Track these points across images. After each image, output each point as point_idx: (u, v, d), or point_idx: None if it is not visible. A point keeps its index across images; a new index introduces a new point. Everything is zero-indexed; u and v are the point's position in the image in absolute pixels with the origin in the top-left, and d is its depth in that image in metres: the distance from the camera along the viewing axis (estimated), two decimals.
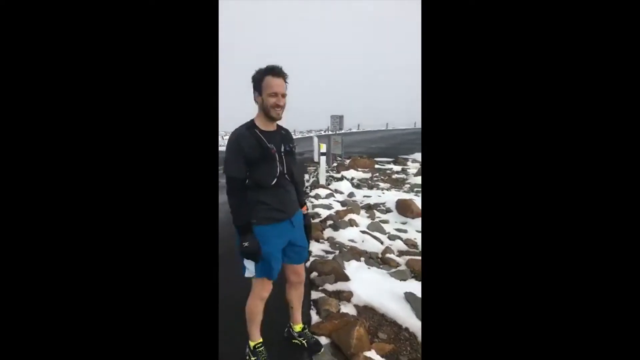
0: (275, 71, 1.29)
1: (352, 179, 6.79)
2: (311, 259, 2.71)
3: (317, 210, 4.17)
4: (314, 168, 6.93)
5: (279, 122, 1.43)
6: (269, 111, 1.31)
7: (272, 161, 1.34)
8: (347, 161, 8.72)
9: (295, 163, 1.50)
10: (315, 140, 6.47)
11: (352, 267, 2.60)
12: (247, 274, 1.39)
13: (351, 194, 5.45)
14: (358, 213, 4.17)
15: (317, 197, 4.87)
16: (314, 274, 2.42)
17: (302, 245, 1.52)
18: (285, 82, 1.32)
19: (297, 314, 1.66)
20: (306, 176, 7.08)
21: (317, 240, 3.22)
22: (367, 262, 2.76)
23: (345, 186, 5.85)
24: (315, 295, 2.19)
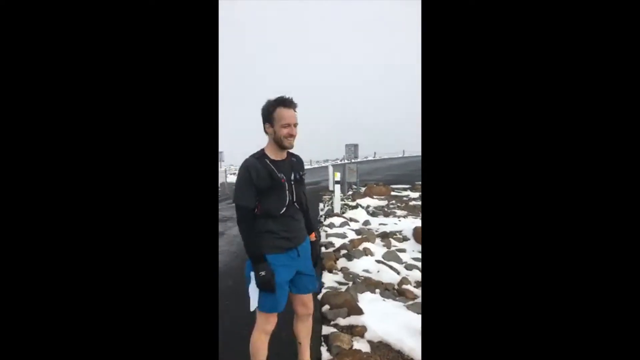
0: (286, 103, 1.33)
1: (368, 206, 6.68)
2: (323, 290, 2.62)
3: (330, 239, 4.09)
4: (329, 197, 6.91)
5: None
6: (282, 141, 1.35)
7: (282, 190, 1.36)
8: (363, 189, 8.65)
9: (305, 191, 1.50)
10: (330, 169, 6.49)
11: (366, 300, 2.49)
12: (252, 307, 1.35)
13: (366, 222, 5.34)
14: (373, 242, 4.06)
15: (331, 226, 4.80)
16: (326, 307, 2.32)
17: (309, 274, 1.48)
18: (295, 111, 1.37)
19: (306, 351, 1.57)
20: (321, 205, 7.04)
21: (330, 271, 3.12)
22: (382, 294, 2.63)
23: (360, 214, 5.75)
24: (326, 330, 2.08)
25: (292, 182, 1.40)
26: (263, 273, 1.29)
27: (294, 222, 1.40)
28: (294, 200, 1.40)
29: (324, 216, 5.63)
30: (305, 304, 1.51)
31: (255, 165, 1.33)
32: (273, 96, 1.36)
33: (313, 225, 1.58)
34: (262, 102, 1.39)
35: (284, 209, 1.36)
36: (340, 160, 10.61)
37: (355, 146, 9.02)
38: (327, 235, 4.29)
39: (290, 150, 1.46)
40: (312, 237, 1.57)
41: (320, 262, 1.59)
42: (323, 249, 3.82)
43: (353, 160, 9.07)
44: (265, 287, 1.30)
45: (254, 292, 1.34)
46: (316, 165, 21.41)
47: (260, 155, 1.38)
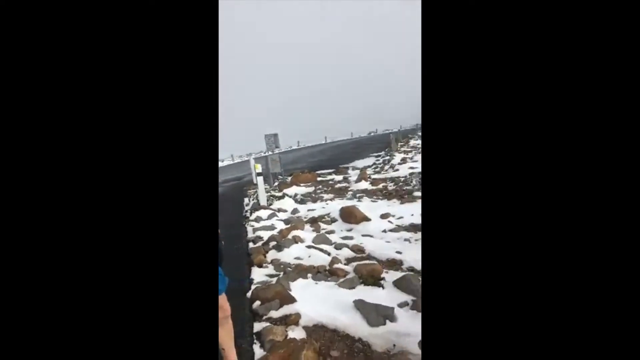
0: None
1: (295, 195, 6.66)
2: (252, 286, 2.48)
3: (258, 233, 3.93)
4: (254, 191, 6.68)
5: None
6: None
7: None
8: (289, 178, 8.59)
9: None
10: (252, 162, 6.24)
11: (299, 286, 2.43)
12: None
13: (295, 210, 5.31)
14: (303, 228, 4.03)
15: (258, 219, 4.62)
16: (257, 303, 2.19)
17: (219, 272, 1.33)
18: None
19: (232, 354, 1.43)
20: (246, 200, 6.77)
21: (260, 266, 2.99)
22: (314, 278, 2.61)
23: (287, 203, 5.69)
24: (258, 326, 1.96)
25: None
26: None
27: None
28: None
29: (249, 210, 5.40)
30: (221, 306, 1.36)
31: None
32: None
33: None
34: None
35: None
36: (264, 153, 10.34)
37: (275, 135, 8.85)
38: (255, 230, 4.12)
39: None
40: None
41: (222, 259, 1.43)
42: (251, 244, 3.65)
43: (275, 151, 8.89)
44: None
45: None
46: (238, 160, 20.54)
47: None
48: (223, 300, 1.37)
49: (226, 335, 1.41)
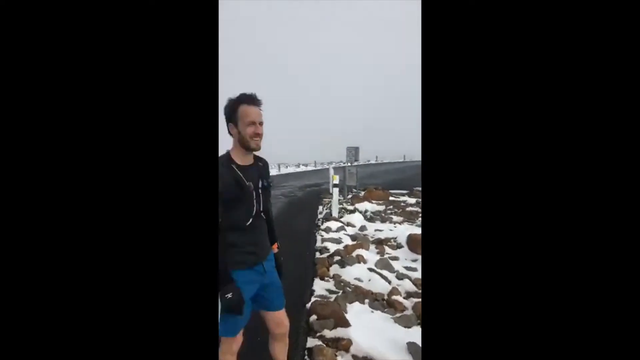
0: (250, 99, 1.20)
1: (366, 211, 6.63)
2: (312, 299, 2.57)
3: (326, 244, 4.05)
4: (329, 200, 6.87)
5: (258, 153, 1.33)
6: (247, 142, 1.20)
7: (250, 200, 1.22)
8: (362, 193, 8.59)
9: (270, 199, 1.38)
10: (331, 171, 6.46)
11: (354, 310, 2.44)
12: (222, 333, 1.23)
13: (363, 227, 5.29)
14: (367, 248, 4.00)
15: (327, 230, 4.75)
16: (313, 317, 2.27)
17: (276, 289, 1.36)
18: (261, 109, 1.23)
19: None
20: (320, 208, 6.99)
21: (322, 278, 3.08)
22: (371, 305, 2.58)
23: (357, 219, 5.70)
24: (311, 342, 2.03)
25: (260, 190, 1.26)
26: (230, 295, 1.12)
27: (260, 234, 1.28)
28: (261, 209, 1.27)
29: (322, 220, 5.58)
30: (280, 323, 1.39)
31: (220, 172, 1.18)
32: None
33: (275, 235, 1.46)
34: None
35: (251, 220, 1.22)
36: (344, 163, 10.55)
37: (356, 149, 8.95)
38: (323, 240, 4.25)
39: (258, 154, 1.32)
40: (275, 248, 1.45)
41: (282, 274, 1.48)
42: (317, 254, 3.77)
43: (354, 164, 8.99)
44: (233, 310, 1.14)
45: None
46: (319, 167, 21.35)
47: (226, 160, 1.22)
48: (283, 316, 1.40)
49: (281, 352, 1.45)
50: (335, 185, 5.70)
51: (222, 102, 1.23)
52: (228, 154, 1.26)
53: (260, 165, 1.32)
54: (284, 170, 20.06)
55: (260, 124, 1.22)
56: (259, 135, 1.21)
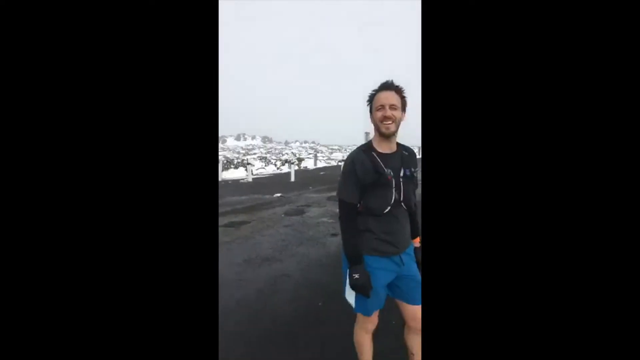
0: (384, 86, 1.21)
1: None
2: None
3: None
4: None
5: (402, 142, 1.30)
6: (379, 127, 1.21)
7: (387, 187, 1.22)
8: None
9: (415, 190, 1.31)
10: None
11: None
12: (353, 306, 1.32)
13: None
14: None
15: None
16: None
17: (415, 279, 1.31)
18: (401, 95, 1.21)
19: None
20: None
21: None
22: None
23: None
24: None
25: (401, 179, 1.23)
26: (357, 276, 1.19)
27: (398, 224, 1.25)
28: (401, 199, 1.24)
29: None
30: (414, 317, 1.33)
31: (360, 157, 1.22)
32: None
33: (419, 229, 1.37)
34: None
35: (389, 207, 1.22)
36: None
37: None
38: None
39: (403, 143, 1.30)
40: (417, 242, 1.38)
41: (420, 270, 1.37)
42: None
43: None
44: (359, 291, 1.21)
45: (349, 291, 1.27)
46: None
47: (367, 147, 1.26)
48: (418, 310, 1.34)
49: (415, 344, 1.40)
50: None
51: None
52: (370, 142, 1.28)
53: (405, 154, 1.29)
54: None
55: (392, 107, 1.19)
56: (387, 117, 1.19)
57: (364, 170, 1.21)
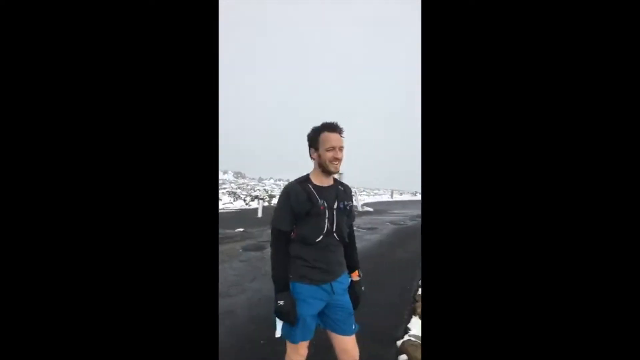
0: (331, 127, 1.32)
1: None
2: (406, 337, 2.34)
3: None
4: None
5: (340, 179, 1.42)
6: (327, 166, 1.32)
7: (320, 217, 1.30)
8: None
9: (350, 223, 1.40)
10: None
11: None
12: (277, 334, 1.30)
13: None
14: None
15: None
16: (403, 357, 2.06)
17: (345, 313, 1.33)
18: (342, 136, 1.33)
19: None
20: None
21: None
22: None
23: None
24: None
25: (334, 210, 1.32)
26: (281, 302, 1.24)
27: (329, 253, 1.31)
28: (334, 229, 1.32)
29: None
30: (346, 350, 1.33)
31: (295, 188, 1.32)
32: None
33: (357, 263, 1.44)
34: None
35: (321, 237, 1.29)
36: None
37: None
38: None
39: (340, 180, 1.40)
40: (355, 275, 1.43)
41: (358, 304, 1.41)
42: (420, 290, 3.45)
43: None
44: (283, 318, 1.25)
45: (278, 319, 1.30)
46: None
47: (304, 179, 1.36)
48: (351, 344, 1.35)
49: None
50: None
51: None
52: (307, 175, 1.39)
53: (340, 189, 1.39)
54: (397, 197, 19.63)
55: (340, 149, 1.32)
56: (337, 159, 1.31)
57: (298, 201, 1.30)
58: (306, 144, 1.38)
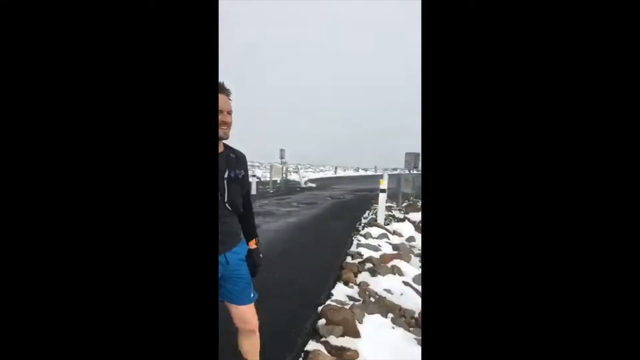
0: (220, 87, 1.22)
1: (419, 222, 6.22)
2: (327, 301, 2.45)
3: (360, 249, 3.87)
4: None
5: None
6: None
7: None
8: (420, 202, 8.10)
9: (242, 192, 1.36)
10: (385, 176, 6.21)
11: (373, 323, 2.25)
12: None
13: (411, 238, 4.96)
14: (408, 260, 3.71)
15: (367, 236, 4.55)
16: (322, 322, 2.16)
17: (241, 284, 1.32)
18: (229, 99, 1.24)
19: None
20: (367, 213, 6.77)
21: (346, 284, 2.93)
22: (394, 321, 2.36)
23: (406, 228, 5.37)
24: (312, 345, 1.92)
25: (225, 180, 1.26)
26: None
27: (222, 224, 1.25)
28: (225, 200, 1.27)
29: (363, 225, 5.38)
30: (243, 318, 1.34)
31: None
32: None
33: (254, 231, 1.43)
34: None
35: None
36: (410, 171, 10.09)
37: (416, 155, 8.49)
38: (358, 245, 4.07)
39: (234, 146, 1.32)
40: (252, 244, 1.42)
41: (257, 272, 1.41)
42: (349, 259, 3.62)
43: (412, 171, 8.54)
44: None
45: None
46: (380, 173, 20.92)
47: None
48: (249, 313, 1.35)
49: (250, 350, 1.40)
50: (382, 191, 5.45)
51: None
52: None
53: (232, 157, 1.31)
54: (340, 173, 20.21)
55: (228, 113, 1.22)
56: (225, 123, 1.21)
57: None
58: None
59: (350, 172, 22.24)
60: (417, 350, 2.01)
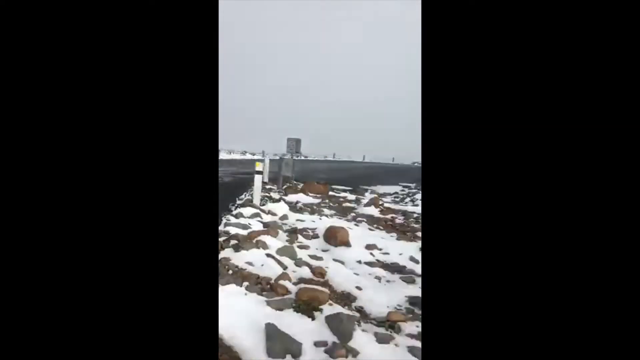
0: None
1: (297, 202, 6.60)
2: None
3: (229, 229, 3.91)
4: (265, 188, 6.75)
5: None
6: None
7: None
8: (301, 185, 8.58)
9: None
10: (266, 161, 6.32)
11: (225, 291, 2.33)
12: None
13: (284, 217, 5.24)
14: (275, 235, 3.94)
15: (238, 215, 4.61)
16: None
17: None
18: None
19: None
20: (244, 195, 6.82)
21: None
22: (248, 288, 2.50)
23: (280, 208, 5.63)
24: None
25: None
26: None
27: None
28: None
29: (236, 205, 5.42)
30: None
31: None
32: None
33: None
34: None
35: None
36: (303, 157, 10.49)
37: (298, 141, 8.95)
38: (227, 224, 4.10)
39: None
40: None
41: None
42: None
43: (295, 156, 8.96)
44: None
45: None
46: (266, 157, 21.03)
47: None
48: None
49: None
50: (258, 172, 5.59)
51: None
52: None
53: None
54: (224, 156, 19.60)
55: None
56: None
57: None
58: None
59: (236, 156, 21.79)
60: (268, 310, 2.20)
